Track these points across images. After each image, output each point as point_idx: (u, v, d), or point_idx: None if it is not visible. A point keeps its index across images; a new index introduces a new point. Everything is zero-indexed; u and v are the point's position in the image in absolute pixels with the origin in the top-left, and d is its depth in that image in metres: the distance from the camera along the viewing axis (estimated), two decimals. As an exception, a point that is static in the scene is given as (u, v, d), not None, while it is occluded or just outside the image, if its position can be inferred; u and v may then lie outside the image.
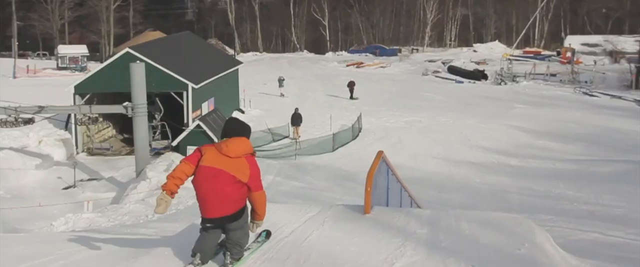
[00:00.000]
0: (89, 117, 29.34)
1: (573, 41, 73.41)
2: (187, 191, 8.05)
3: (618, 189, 23.64)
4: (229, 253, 6.75)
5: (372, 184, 8.45)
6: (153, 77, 32.25)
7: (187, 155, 7.17)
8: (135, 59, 30.84)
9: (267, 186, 26.49)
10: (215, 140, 28.03)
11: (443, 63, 69.00)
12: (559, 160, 30.78)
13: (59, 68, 61.88)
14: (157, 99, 31.95)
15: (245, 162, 6.55)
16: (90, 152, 34.61)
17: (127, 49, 33.42)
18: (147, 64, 31.57)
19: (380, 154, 9.09)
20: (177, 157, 27.86)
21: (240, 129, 6.75)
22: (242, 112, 42.44)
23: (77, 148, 34.15)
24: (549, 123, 39.62)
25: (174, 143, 29.02)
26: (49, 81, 53.36)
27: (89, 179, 30.18)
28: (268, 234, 7.82)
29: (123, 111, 27.00)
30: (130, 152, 33.08)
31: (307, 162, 31.18)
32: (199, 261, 6.72)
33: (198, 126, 27.99)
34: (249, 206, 6.78)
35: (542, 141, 35.08)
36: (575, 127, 38.79)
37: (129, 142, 33.53)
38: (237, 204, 6.55)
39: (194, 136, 28.10)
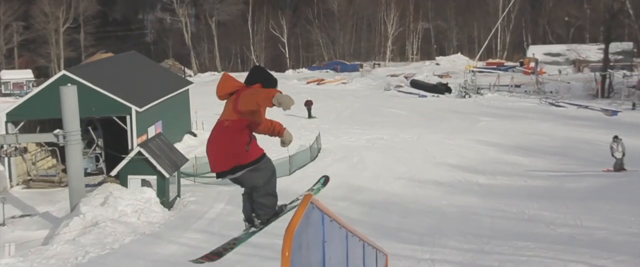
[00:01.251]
0: (16, 148, 26.72)
1: (536, 51, 72.23)
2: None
3: (596, 207, 21.72)
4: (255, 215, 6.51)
5: (291, 245, 5.51)
6: (93, 100, 29.79)
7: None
8: (73, 81, 28.34)
9: (215, 217, 24.24)
10: (159, 168, 25.59)
11: (405, 77, 67.18)
12: (530, 176, 28.91)
13: (1, 94, 58.77)
14: (97, 123, 29.46)
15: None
16: (28, 184, 31.84)
17: (63, 72, 30.91)
18: (85, 86, 29.12)
19: (307, 198, 6.06)
20: (116, 188, 25.38)
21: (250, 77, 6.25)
22: (194, 135, 40.00)
23: (10, 181, 31.37)
24: (516, 136, 37.89)
25: (113, 172, 26.50)
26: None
27: (21, 216, 27.47)
28: (326, 180, 7.39)
29: (53, 140, 24.47)
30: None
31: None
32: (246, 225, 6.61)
33: (139, 153, 25.54)
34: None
35: (511, 156, 33.27)
36: (544, 139, 37.08)
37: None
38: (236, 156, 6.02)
39: (136, 164, 25.63)
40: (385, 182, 29.20)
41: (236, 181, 6.41)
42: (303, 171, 31.86)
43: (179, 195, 27.48)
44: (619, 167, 27.95)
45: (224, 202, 26.21)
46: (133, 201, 24.59)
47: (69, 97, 24.05)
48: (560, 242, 18.11)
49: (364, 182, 29.36)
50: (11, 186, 31.48)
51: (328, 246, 7.33)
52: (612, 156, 28.16)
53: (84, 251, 19.82)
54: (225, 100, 6.22)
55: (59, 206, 27.58)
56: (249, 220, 6.82)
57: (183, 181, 29.68)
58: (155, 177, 25.83)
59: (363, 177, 30.23)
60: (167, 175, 25.66)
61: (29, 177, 32.49)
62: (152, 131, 33.60)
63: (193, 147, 37.71)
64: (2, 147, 27.10)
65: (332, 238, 7.48)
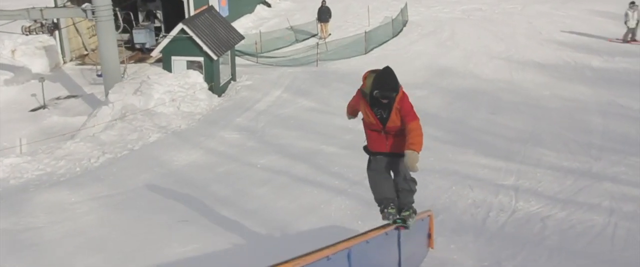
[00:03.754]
0: (42, 24, 23.54)
1: None
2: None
3: None
4: None
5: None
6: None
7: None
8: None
9: (267, 107, 20.53)
10: (205, 48, 21.87)
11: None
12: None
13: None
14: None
15: None
16: (83, 60, 29.00)
17: None
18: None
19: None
20: (156, 72, 21.97)
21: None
22: (268, 5, 35.94)
23: (63, 56, 28.60)
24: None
25: (154, 53, 23.02)
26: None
27: (67, 97, 24.78)
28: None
29: (81, 15, 21.06)
30: (139, 59, 27.53)
31: (331, 70, 24.81)
32: None
33: (182, 31, 21.87)
34: None
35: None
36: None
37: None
38: None
39: (181, 43, 22.00)
40: (477, 64, 24.50)
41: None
42: (382, 49, 27.50)
43: (233, 78, 23.85)
44: (630, 37, 26.05)
45: (282, 88, 22.43)
46: (175, 87, 21.18)
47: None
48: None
49: (452, 63, 24.76)
50: (64, 62, 28.74)
51: None
52: (625, 24, 26.17)
53: (101, 150, 16.68)
54: None
55: (106, 87, 24.65)
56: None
57: (244, 61, 26.00)
58: (202, 58, 22.19)
59: (451, 57, 25.58)
60: (214, 56, 21.94)
61: (85, 53, 29.67)
62: (215, 2, 29.78)
63: (265, 20, 33.79)
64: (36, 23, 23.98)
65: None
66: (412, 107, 6.98)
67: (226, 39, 23.25)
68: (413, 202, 7.39)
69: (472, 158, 14.60)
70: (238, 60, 25.87)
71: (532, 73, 22.98)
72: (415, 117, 6.93)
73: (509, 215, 10.54)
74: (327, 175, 13.42)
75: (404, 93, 7.05)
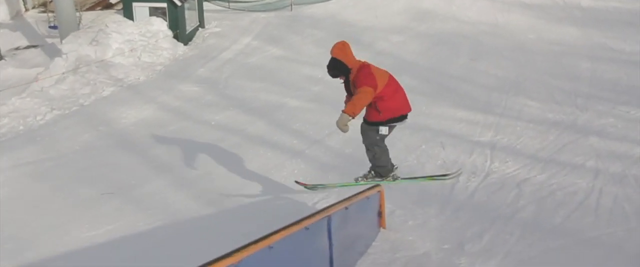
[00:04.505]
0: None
1: None
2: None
3: None
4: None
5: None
6: None
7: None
8: None
9: (234, 56, 19.15)
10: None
11: None
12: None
13: None
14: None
15: None
16: (46, 7, 27.38)
17: None
18: None
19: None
20: (116, 20, 20.50)
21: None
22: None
23: (25, 3, 27.02)
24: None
25: (113, -1, 21.61)
26: None
27: (26, 47, 23.32)
28: None
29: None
30: (106, 6, 25.90)
31: (306, 15, 23.35)
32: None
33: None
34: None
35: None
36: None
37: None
38: None
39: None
40: (460, 6, 23.08)
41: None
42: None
43: (201, 25, 22.40)
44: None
45: (252, 35, 21.03)
46: (135, 36, 19.75)
47: None
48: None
49: (433, 5, 23.33)
50: (26, 9, 27.19)
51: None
52: None
53: (50, 106, 15.36)
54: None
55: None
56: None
57: (214, 7, 24.50)
58: (165, 4, 20.70)
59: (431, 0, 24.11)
60: (177, 2, 20.45)
61: None
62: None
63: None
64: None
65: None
66: (365, 76, 7.16)
67: (191, -17, 21.73)
68: (378, 166, 7.80)
69: (448, 111, 13.36)
70: (208, 5, 24.40)
71: (518, 14, 21.61)
72: (362, 84, 7.12)
73: (481, 180, 9.32)
74: (286, 133, 12.18)
75: (359, 67, 7.27)
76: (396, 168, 7.93)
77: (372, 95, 7.12)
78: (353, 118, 7.14)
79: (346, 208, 5.80)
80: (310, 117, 13.20)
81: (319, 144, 11.42)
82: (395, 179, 7.88)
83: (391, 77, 7.42)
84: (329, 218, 5.32)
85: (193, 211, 8.22)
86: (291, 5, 24.28)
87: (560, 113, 12.76)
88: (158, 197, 8.80)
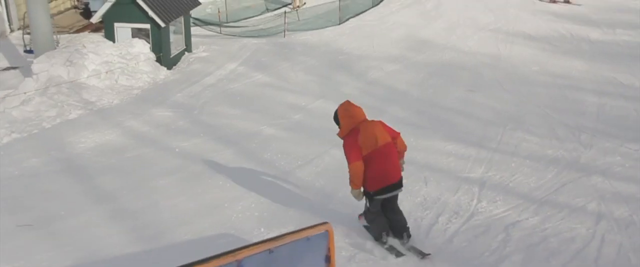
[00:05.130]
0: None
1: None
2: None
3: None
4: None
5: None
6: None
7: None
8: None
9: (217, 81, 17.98)
10: (151, 13, 19.22)
11: None
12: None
13: None
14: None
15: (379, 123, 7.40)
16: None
17: None
18: None
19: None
20: (95, 40, 19.41)
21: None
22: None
23: (10, 24, 25.99)
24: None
25: (94, 19, 20.47)
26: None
27: (6, 68, 22.22)
28: None
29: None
30: (95, 29, 24.84)
31: (299, 42, 22.22)
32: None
33: (126, -6, 19.34)
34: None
35: (640, 2, 24.80)
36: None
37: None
38: None
39: (125, 8, 19.43)
40: (461, 36, 21.91)
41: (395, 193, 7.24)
42: (358, 19, 24.80)
43: (188, 49, 21.27)
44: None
45: (239, 61, 19.87)
46: (115, 58, 18.62)
47: None
48: None
49: (433, 35, 22.18)
50: (11, 30, 26.15)
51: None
52: None
53: (10, 129, 14.17)
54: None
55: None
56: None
57: (205, 32, 23.44)
58: (148, 25, 19.62)
59: (433, 29, 22.99)
60: (161, 23, 19.36)
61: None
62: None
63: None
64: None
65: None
66: (350, 148, 7.20)
67: (177, 4, 20.65)
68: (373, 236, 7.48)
69: (437, 144, 12.11)
70: (199, 30, 23.34)
71: (522, 46, 20.41)
72: (347, 158, 7.25)
73: (464, 221, 8.06)
74: (254, 163, 10.94)
75: (348, 133, 7.30)
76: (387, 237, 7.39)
77: (360, 169, 7.04)
78: (361, 188, 7.20)
79: (270, 251, 4.53)
80: (285, 147, 11.97)
81: (288, 176, 10.17)
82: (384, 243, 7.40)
83: (383, 146, 7.11)
84: (239, 264, 4.05)
85: (119, 249, 6.97)
86: (285, 31, 23.19)
87: (561, 149, 11.48)
88: (84, 232, 7.57)
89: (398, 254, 7.00)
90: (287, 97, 15.92)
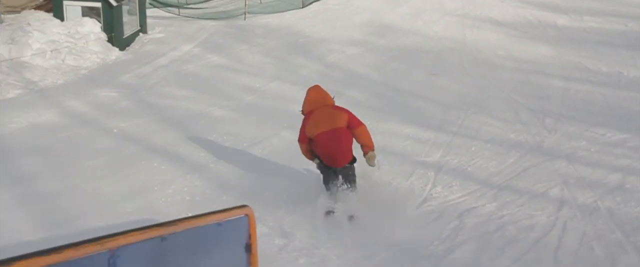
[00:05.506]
0: None
1: None
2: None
3: None
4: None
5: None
6: None
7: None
8: None
9: (169, 62, 17.09)
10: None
11: None
12: (636, 17, 20.41)
13: None
14: None
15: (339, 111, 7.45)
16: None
17: None
18: None
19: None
20: (40, 18, 18.39)
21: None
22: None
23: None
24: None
25: (41, -4, 19.50)
26: None
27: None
28: None
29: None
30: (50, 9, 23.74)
31: (259, 24, 21.39)
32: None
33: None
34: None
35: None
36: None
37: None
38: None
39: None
40: (427, 21, 21.27)
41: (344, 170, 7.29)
42: (322, 3, 24.03)
43: (143, 30, 20.31)
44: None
45: (195, 42, 19.00)
46: (62, 37, 17.64)
47: None
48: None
49: (398, 19, 21.51)
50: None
51: None
52: None
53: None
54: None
55: None
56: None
57: (164, 14, 22.50)
58: (99, 4, 18.64)
59: (399, 13, 22.32)
60: (113, 2, 18.40)
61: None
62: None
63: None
64: None
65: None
66: (301, 128, 7.46)
67: (131, -18, 19.70)
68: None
69: (395, 127, 11.40)
70: (157, 12, 22.39)
71: (488, 32, 19.81)
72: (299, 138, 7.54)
73: (415, 207, 7.34)
74: (195, 145, 10.13)
75: (306, 115, 7.48)
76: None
77: (302, 148, 7.44)
78: (315, 160, 7.49)
79: (162, 238, 3.72)
80: (232, 129, 11.17)
81: (231, 158, 9.39)
82: None
83: (326, 132, 7.19)
84: (112, 255, 3.24)
85: (21, 235, 6.13)
86: (245, 14, 22.34)
87: (524, 133, 10.83)
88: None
89: (328, 212, 6.96)
90: (241, 79, 15.13)
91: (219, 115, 12.18)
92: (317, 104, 7.36)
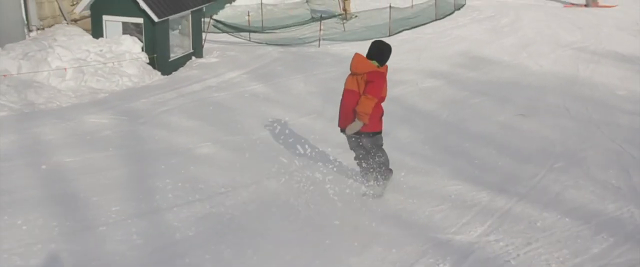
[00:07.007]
0: None
1: None
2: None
3: None
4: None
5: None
6: None
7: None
8: None
9: (201, 89, 14.23)
10: (143, 5, 15.78)
11: None
12: None
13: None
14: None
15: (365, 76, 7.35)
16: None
17: None
18: None
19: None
20: (71, 33, 16.16)
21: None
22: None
23: (27, 23, 23.37)
24: None
25: (79, 8, 17.24)
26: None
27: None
28: None
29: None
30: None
31: (331, 52, 18.34)
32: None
33: (117, -19, 16.07)
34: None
35: None
36: None
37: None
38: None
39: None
40: (533, 54, 17.49)
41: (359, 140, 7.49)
42: (413, 31, 20.75)
43: (197, 53, 17.70)
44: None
45: (247, 69, 16.16)
46: (91, 55, 15.29)
47: None
48: None
49: (498, 51, 17.84)
50: (30, 30, 23.52)
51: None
52: None
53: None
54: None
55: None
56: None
57: (234, 39, 19.94)
58: (141, 20, 16.22)
59: (501, 45, 18.64)
60: (154, 18, 15.89)
61: (64, 22, 24.36)
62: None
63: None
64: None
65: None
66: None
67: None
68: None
69: (436, 182, 8.05)
70: (224, 37, 19.89)
71: (608, 67, 15.80)
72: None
73: None
74: (129, 192, 7.05)
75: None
76: None
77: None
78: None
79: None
80: (201, 172, 8.10)
81: (154, 215, 6.24)
82: None
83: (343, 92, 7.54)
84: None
85: None
86: (319, 41, 19.37)
87: (631, 205, 7.03)
88: None
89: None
90: (270, 111, 12.02)
91: (202, 154, 9.09)
92: (351, 69, 7.50)
